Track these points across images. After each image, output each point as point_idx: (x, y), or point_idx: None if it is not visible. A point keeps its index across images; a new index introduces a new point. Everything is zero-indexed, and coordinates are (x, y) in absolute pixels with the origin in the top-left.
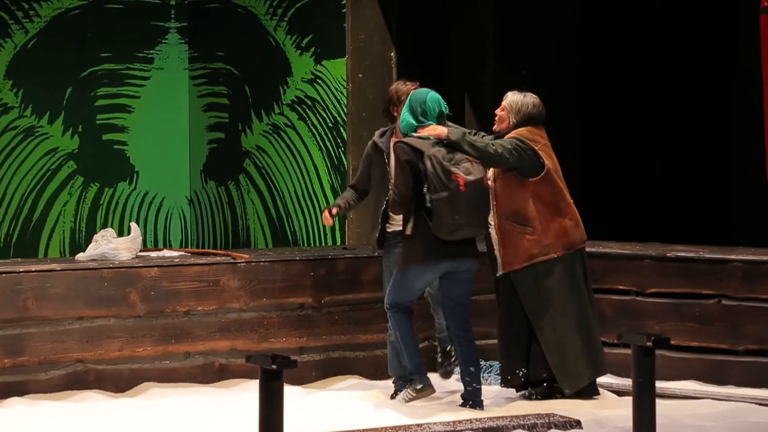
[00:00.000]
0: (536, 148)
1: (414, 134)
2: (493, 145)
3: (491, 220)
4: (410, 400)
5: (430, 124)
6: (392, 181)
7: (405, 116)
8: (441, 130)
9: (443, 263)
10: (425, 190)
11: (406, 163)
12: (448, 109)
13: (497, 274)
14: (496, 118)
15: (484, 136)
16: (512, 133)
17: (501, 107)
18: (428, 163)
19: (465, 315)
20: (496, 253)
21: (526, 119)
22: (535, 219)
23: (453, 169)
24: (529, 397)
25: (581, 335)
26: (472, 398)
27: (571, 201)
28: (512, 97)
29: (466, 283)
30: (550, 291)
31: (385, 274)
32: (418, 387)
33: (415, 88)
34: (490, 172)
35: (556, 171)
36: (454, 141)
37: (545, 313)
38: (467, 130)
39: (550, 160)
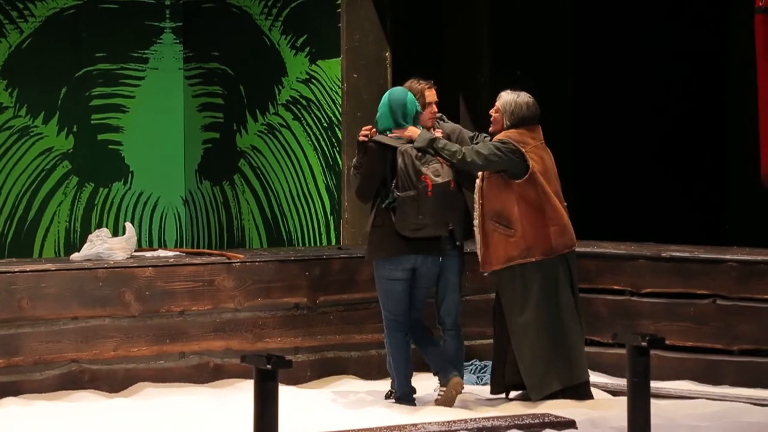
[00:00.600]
0: (524, 149)
1: (389, 134)
2: (460, 152)
3: (474, 219)
4: None
5: (407, 126)
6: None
7: (384, 115)
8: (413, 132)
9: (409, 258)
10: (393, 185)
11: (375, 161)
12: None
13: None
14: (491, 120)
15: (486, 137)
16: (501, 135)
17: (495, 108)
18: (400, 160)
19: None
20: (477, 251)
21: (518, 120)
22: (518, 221)
23: (423, 169)
24: (523, 399)
25: (556, 340)
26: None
27: (560, 205)
28: (506, 98)
29: (428, 281)
30: (525, 294)
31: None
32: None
33: (428, 87)
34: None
35: (546, 173)
36: (421, 148)
37: (517, 316)
38: (436, 137)
39: (538, 162)
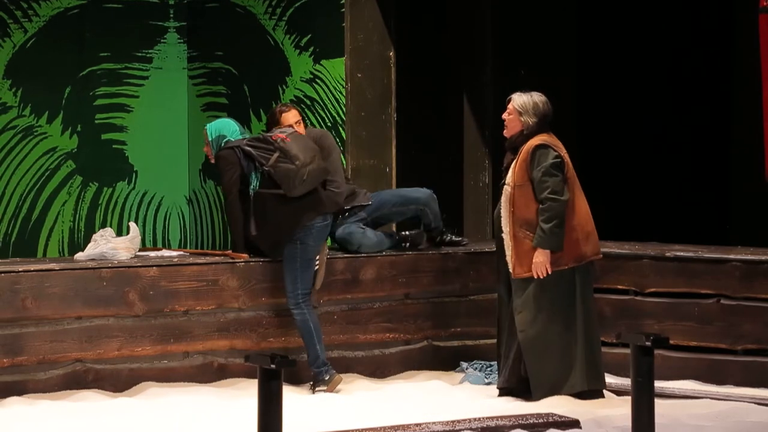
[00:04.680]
0: (562, 154)
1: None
2: (548, 196)
3: (505, 226)
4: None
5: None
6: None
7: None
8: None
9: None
10: (254, 174)
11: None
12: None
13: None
14: (505, 124)
15: (366, 192)
16: (535, 140)
17: (508, 111)
18: (246, 149)
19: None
20: (508, 258)
21: (542, 119)
22: None
23: (267, 134)
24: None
25: (572, 347)
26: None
27: (587, 211)
28: (522, 99)
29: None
30: (551, 300)
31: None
32: (326, 378)
33: (287, 110)
34: (509, 178)
35: (573, 178)
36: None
37: (536, 320)
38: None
39: (570, 168)
